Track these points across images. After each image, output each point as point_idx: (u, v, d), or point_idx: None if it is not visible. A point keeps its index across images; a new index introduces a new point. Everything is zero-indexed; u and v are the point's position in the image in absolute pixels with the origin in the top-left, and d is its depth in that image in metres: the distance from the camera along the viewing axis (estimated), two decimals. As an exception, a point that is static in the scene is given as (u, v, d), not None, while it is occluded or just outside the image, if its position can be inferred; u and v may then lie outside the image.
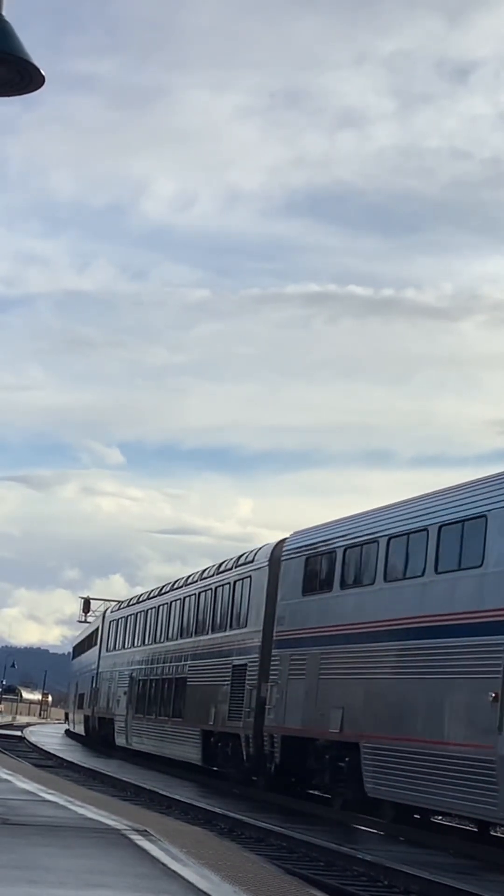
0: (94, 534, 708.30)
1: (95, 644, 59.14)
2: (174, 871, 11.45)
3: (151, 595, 47.73)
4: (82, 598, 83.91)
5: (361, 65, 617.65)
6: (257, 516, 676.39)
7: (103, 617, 57.99)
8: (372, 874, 17.89)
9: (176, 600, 42.45)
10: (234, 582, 34.69)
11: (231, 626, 34.68)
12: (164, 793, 28.95)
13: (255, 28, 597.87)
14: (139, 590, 62.67)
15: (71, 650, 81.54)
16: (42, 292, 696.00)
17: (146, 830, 14.56)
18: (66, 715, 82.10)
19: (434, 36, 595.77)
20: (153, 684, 43.87)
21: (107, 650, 55.04)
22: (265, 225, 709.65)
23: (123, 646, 51.07)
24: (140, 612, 48.70)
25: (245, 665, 32.37)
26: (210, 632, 37.02)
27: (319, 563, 28.19)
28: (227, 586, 35.51)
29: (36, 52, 8.18)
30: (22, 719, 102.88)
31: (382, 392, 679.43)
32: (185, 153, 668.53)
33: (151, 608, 46.52)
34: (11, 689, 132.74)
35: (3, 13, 8.25)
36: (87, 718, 59.16)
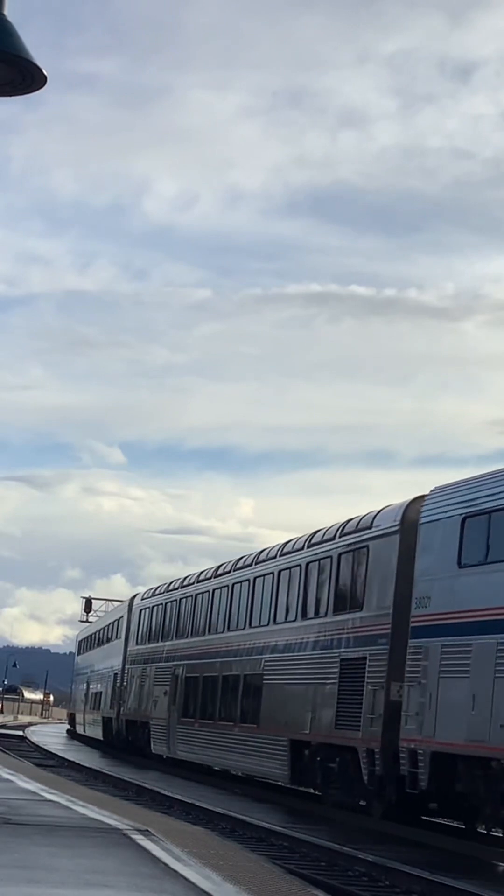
0: (96, 534, 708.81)
1: (117, 636, 52.98)
2: (176, 871, 11.45)
3: (202, 577, 40.61)
4: (84, 597, 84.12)
5: (363, 64, 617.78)
6: (258, 516, 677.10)
7: (130, 605, 51.25)
8: (373, 874, 17.89)
9: (242, 582, 35.56)
10: (340, 555, 27.78)
11: (335, 610, 27.66)
12: (165, 792, 28.96)
13: (256, 27, 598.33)
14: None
15: (76, 644, 76.28)
16: (43, 292, 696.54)
17: (148, 830, 14.56)
18: (72, 716, 74.64)
19: (436, 35, 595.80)
20: (209, 683, 37.23)
21: (136, 643, 48.42)
22: (266, 225, 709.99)
23: (161, 638, 44.15)
24: (186, 597, 41.75)
25: (362, 659, 25.76)
26: (300, 618, 30.09)
27: (488, 524, 21.49)
28: (328, 561, 28.58)
29: (37, 51, 8.18)
30: (24, 719, 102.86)
31: (384, 392, 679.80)
32: (187, 153, 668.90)
33: (204, 592, 39.61)
34: (13, 689, 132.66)
35: (5, 13, 8.25)
36: (108, 721, 53.37)
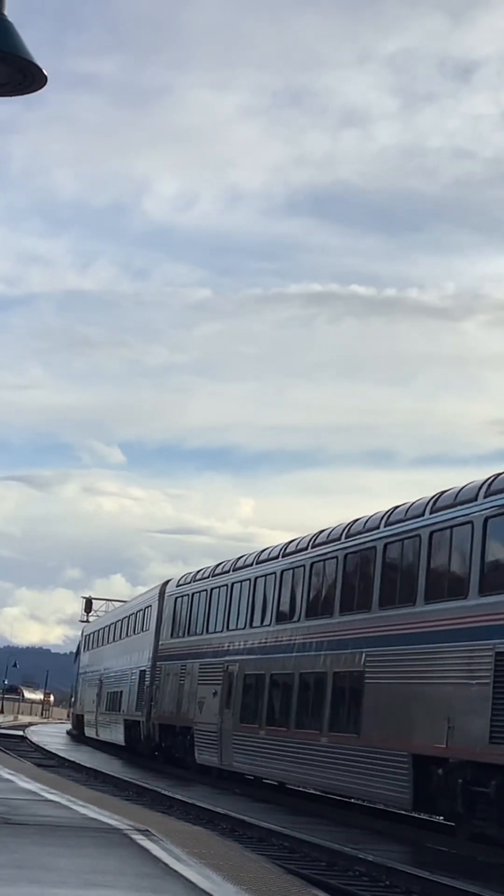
0: (96, 534, 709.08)
1: (144, 629, 47.35)
2: (176, 871, 11.44)
3: (265, 558, 34.23)
4: (84, 597, 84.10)
5: (364, 64, 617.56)
6: (259, 516, 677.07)
7: (160, 594, 44.60)
8: (374, 874, 17.88)
9: (327, 559, 29.28)
10: (487, 519, 22.07)
11: (487, 589, 21.74)
12: (165, 793, 28.94)
13: (256, 27, 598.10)
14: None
15: (81, 640, 71.14)
16: (43, 292, 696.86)
17: (148, 830, 14.56)
18: (78, 717, 68.32)
19: (437, 35, 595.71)
20: (280, 682, 31.37)
21: (171, 636, 42.42)
22: (267, 224, 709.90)
23: (208, 629, 37.99)
24: (242, 581, 35.43)
25: None
26: (422, 601, 24.08)
27: None
28: (468, 527, 22.64)
29: (38, 51, 8.17)
30: (24, 719, 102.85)
31: (384, 392, 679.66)
32: (187, 152, 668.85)
33: (269, 574, 33.26)
34: (13, 689, 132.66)
35: (5, 12, 8.24)
36: (132, 725, 47.93)
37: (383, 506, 27.64)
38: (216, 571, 38.21)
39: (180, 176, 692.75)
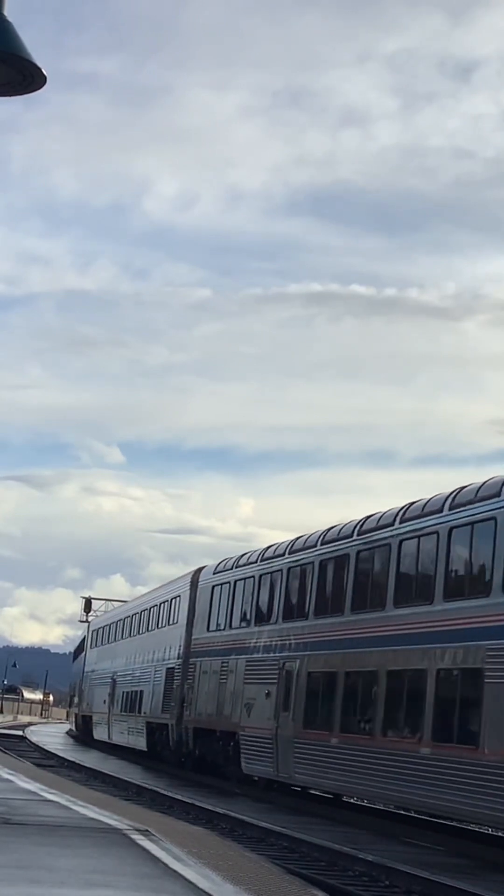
0: (95, 533, 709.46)
1: (171, 622, 42.85)
2: (175, 871, 11.44)
3: (332, 537, 29.20)
4: (84, 597, 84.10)
5: (364, 63, 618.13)
6: (258, 516, 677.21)
7: (193, 582, 39.99)
8: (373, 874, 17.89)
9: (422, 535, 24.92)
10: None
11: None
12: (165, 793, 28.94)
13: (257, 27, 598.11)
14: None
15: (88, 636, 67.43)
16: (43, 292, 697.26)
17: (147, 830, 14.55)
18: (85, 718, 64.14)
19: (437, 34, 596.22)
20: (358, 682, 26.60)
21: (207, 628, 37.65)
22: (267, 224, 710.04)
23: (257, 621, 33.24)
24: (303, 565, 30.56)
25: None
26: None
27: None
28: None
29: (38, 51, 8.17)
30: (23, 719, 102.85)
31: (384, 392, 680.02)
32: (187, 152, 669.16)
33: (339, 556, 28.46)
34: (13, 689, 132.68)
35: (5, 12, 8.24)
36: (156, 729, 43.31)
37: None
38: (266, 555, 33.15)
39: (180, 176, 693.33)
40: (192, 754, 37.94)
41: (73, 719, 71.06)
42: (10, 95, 8.48)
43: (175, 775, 37.46)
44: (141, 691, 46.61)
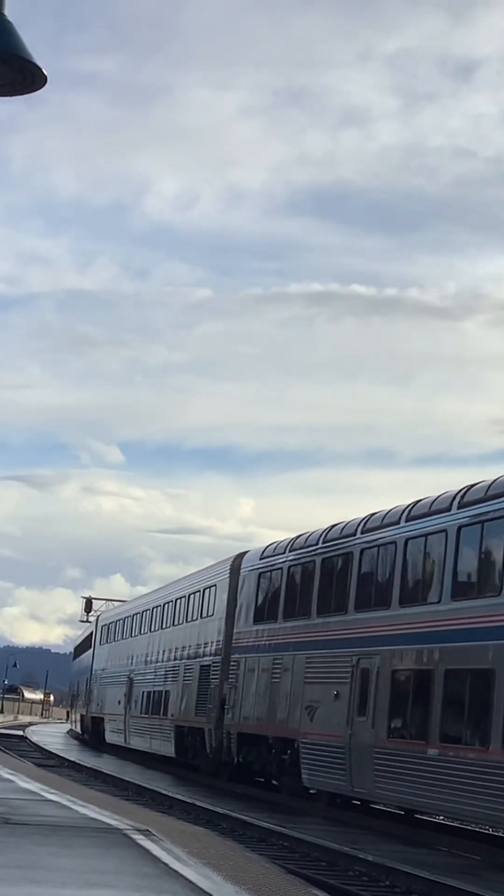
0: (95, 533, 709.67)
1: (205, 615, 38.56)
2: (176, 871, 11.44)
3: (415, 514, 25.21)
4: (84, 597, 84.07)
5: (364, 63, 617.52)
6: (258, 516, 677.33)
7: (233, 568, 35.77)
8: (374, 874, 17.89)
9: None
10: None
11: None
12: (166, 793, 28.95)
13: (257, 26, 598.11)
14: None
15: (95, 632, 62.76)
16: (43, 291, 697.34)
17: (148, 830, 14.55)
18: (94, 720, 59.74)
19: (437, 34, 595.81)
20: (467, 683, 22.49)
21: (253, 621, 33.15)
22: (267, 224, 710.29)
23: (318, 612, 28.85)
24: (380, 546, 26.43)
25: None
26: None
27: None
28: None
29: (38, 50, 8.17)
30: (24, 719, 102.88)
31: (384, 392, 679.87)
32: (188, 152, 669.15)
33: (430, 535, 24.48)
34: (13, 689, 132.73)
35: (5, 12, 8.24)
36: (187, 734, 39.17)
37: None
38: (330, 536, 28.85)
39: (180, 175, 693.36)
40: (235, 763, 33.56)
41: (80, 720, 66.26)
42: (11, 95, 8.48)
43: (214, 787, 33.48)
44: (166, 692, 42.32)
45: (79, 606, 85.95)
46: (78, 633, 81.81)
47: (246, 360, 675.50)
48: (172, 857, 12.40)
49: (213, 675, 36.13)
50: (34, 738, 58.75)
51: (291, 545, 31.35)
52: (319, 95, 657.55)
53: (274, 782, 31.38)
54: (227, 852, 14.43)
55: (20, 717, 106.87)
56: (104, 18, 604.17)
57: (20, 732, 65.10)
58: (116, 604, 70.50)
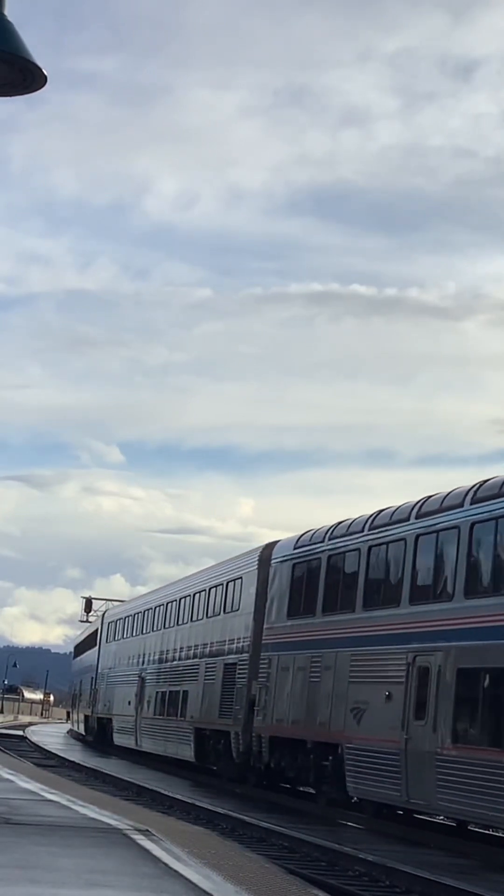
0: (95, 533, 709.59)
1: (228, 609, 35.88)
2: (176, 871, 11.44)
3: (481, 496, 22.78)
4: (84, 597, 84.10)
5: (365, 63, 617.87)
6: (258, 516, 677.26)
7: (263, 561, 33.21)
8: (374, 874, 17.89)
9: None
10: None
11: None
12: (166, 793, 28.94)
13: (257, 26, 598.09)
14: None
15: (102, 628, 59.62)
16: (44, 291, 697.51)
17: (148, 830, 14.55)
18: (100, 721, 56.83)
19: (438, 33, 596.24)
20: None
21: (287, 615, 30.47)
22: (268, 224, 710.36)
23: (364, 605, 26.44)
24: (440, 531, 24.07)
25: None
26: None
27: None
28: None
29: (38, 50, 8.16)
30: (24, 719, 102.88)
31: (384, 392, 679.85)
32: (188, 151, 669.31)
33: (500, 518, 22.06)
34: (13, 689, 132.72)
35: (5, 12, 8.24)
36: (210, 737, 36.12)
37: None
38: (377, 522, 26.41)
39: (180, 175, 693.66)
40: (266, 768, 31.07)
41: (84, 721, 63.55)
42: (11, 95, 8.47)
43: (241, 794, 31.13)
44: (185, 692, 39.54)
45: (79, 606, 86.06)
46: (78, 633, 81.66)
47: (246, 360, 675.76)
48: (172, 857, 12.40)
49: (239, 674, 33.51)
50: (34, 739, 58.75)
51: (331, 533, 28.61)
52: (319, 95, 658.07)
53: (309, 790, 29.44)
54: (227, 852, 14.43)
55: (20, 717, 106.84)
56: (104, 18, 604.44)
57: (20, 732, 65.08)
58: (116, 604, 69.92)
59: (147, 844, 13.29)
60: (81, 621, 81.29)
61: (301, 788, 30.54)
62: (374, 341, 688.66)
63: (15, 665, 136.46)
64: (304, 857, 19.47)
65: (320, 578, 28.61)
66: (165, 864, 11.85)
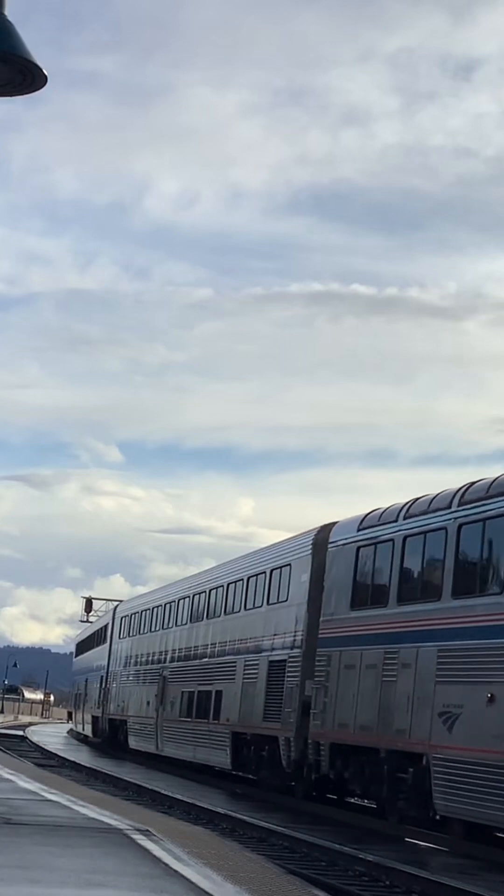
0: (95, 533, 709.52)
1: (273, 600, 32.34)
2: (176, 871, 11.44)
3: None
4: (84, 597, 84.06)
5: (365, 62, 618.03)
6: (258, 516, 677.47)
7: (317, 545, 29.52)
8: (374, 874, 17.87)
9: None
10: None
11: None
12: (166, 792, 28.93)
13: (258, 25, 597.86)
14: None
15: (111, 622, 56.60)
16: (44, 291, 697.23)
17: (148, 830, 14.55)
18: (103, 721, 55.16)
19: (438, 33, 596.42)
20: None
21: (350, 606, 26.77)
22: (268, 223, 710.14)
23: (453, 593, 22.63)
24: None
25: None
26: None
27: None
28: None
29: (38, 49, 8.16)
30: (24, 719, 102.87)
31: (385, 391, 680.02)
32: (188, 151, 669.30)
33: None
34: (13, 689, 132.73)
35: (6, 12, 8.24)
36: (251, 742, 32.46)
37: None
38: (467, 498, 22.47)
39: (181, 175, 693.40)
40: (320, 779, 27.69)
41: (92, 722, 60.27)
42: (11, 95, 8.47)
43: (291, 808, 27.95)
44: (217, 692, 35.95)
45: (79, 606, 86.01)
46: (78, 633, 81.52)
47: (246, 359, 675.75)
48: (173, 857, 12.40)
49: (290, 672, 29.79)
50: (34, 739, 58.73)
51: (407, 511, 24.78)
52: (320, 95, 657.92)
53: (368, 802, 27.26)
54: (227, 852, 14.42)
55: (20, 717, 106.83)
56: (104, 18, 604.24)
57: (20, 732, 65.07)
58: (116, 603, 68.87)
59: (147, 844, 13.29)
60: (82, 621, 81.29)
61: (353, 800, 28.13)
62: (374, 341, 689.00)
63: (15, 665, 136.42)
64: (304, 857, 19.45)
65: (394, 563, 24.74)
66: (166, 864, 11.85)
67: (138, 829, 14.51)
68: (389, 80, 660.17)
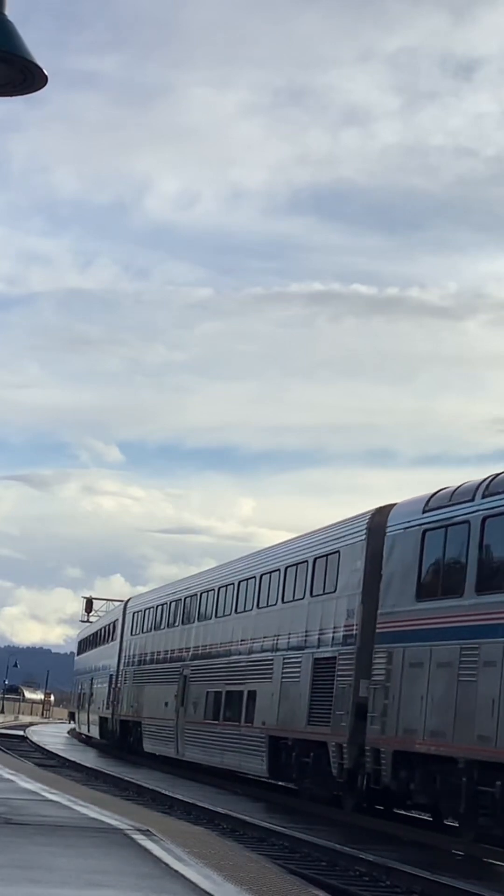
0: (95, 533, 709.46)
1: (317, 592, 29.42)
2: (176, 871, 11.43)
3: None
4: (84, 597, 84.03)
5: (366, 62, 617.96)
6: (258, 516, 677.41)
7: (372, 530, 26.55)
8: (374, 874, 17.87)
9: None
10: None
11: None
12: (166, 792, 28.93)
13: (258, 25, 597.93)
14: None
15: (121, 619, 53.42)
16: (44, 291, 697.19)
17: (149, 830, 14.54)
18: (113, 723, 52.08)
19: (439, 32, 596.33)
20: None
21: (417, 597, 23.95)
22: (268, 223, 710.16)
23: None
24: None
25: None
26: None
27: None
28: None
29: (38, 49, 8.15)
30: (24, 719, 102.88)
31: (385, 391, 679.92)
32: (188, 151, 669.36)
33: None
34: (14, 689, 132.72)
35: (6, 12, 8.23)
36: (293, 747, 29.54)
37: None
38: None
39: (181, 174, 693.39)
40: (375, 790, 25.29)
41: (98, 724, 57.52)
42: (11, 95, 8.46)
43: (342, 822, 25.18)
44: (250, 692, 32.93)
45: (79, 606, 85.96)
46: (78, 632, 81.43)
47: (246, 359, 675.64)
48: (173, 857, 12.39)
49: (340, 670, 26.82)
50: (35, 739, 58.74)
51: (486, 488, 21.80)
52: (320, 94, 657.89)
53: (422, 815, 25.53)
54: (227, 852, 14.41)
55: (21, 717, 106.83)
56: (104, 18, 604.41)
57: (21, 733, 65.07)
58: (116, 604, 68.05)
59: (148, 844, 13.28)
60: (82, 621, 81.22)
61: (409, 814, 26.34)
62: (374, 341, 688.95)
63: (16, 665, 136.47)
64: (304, 857, 19.45)
65: (469, 548, 21.86)
66: (166, 864, 11.84)
67: (139, 829, 14.51)
68: (390, 80, 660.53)
